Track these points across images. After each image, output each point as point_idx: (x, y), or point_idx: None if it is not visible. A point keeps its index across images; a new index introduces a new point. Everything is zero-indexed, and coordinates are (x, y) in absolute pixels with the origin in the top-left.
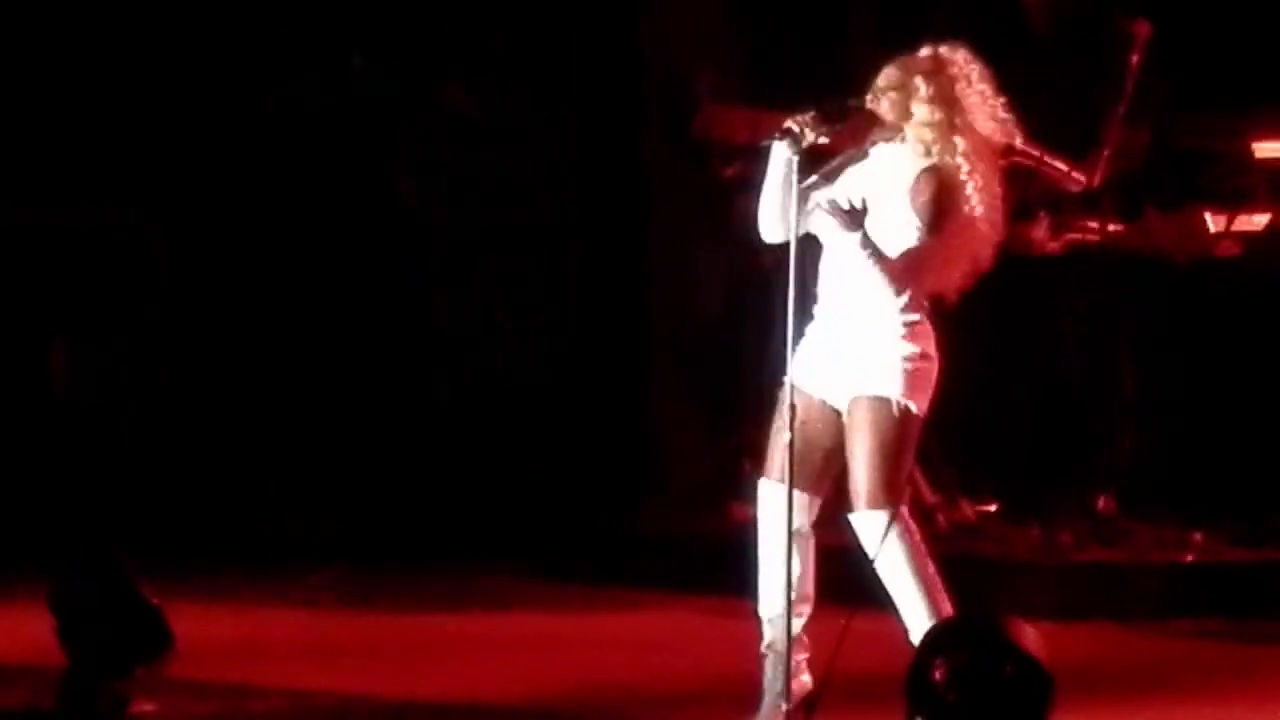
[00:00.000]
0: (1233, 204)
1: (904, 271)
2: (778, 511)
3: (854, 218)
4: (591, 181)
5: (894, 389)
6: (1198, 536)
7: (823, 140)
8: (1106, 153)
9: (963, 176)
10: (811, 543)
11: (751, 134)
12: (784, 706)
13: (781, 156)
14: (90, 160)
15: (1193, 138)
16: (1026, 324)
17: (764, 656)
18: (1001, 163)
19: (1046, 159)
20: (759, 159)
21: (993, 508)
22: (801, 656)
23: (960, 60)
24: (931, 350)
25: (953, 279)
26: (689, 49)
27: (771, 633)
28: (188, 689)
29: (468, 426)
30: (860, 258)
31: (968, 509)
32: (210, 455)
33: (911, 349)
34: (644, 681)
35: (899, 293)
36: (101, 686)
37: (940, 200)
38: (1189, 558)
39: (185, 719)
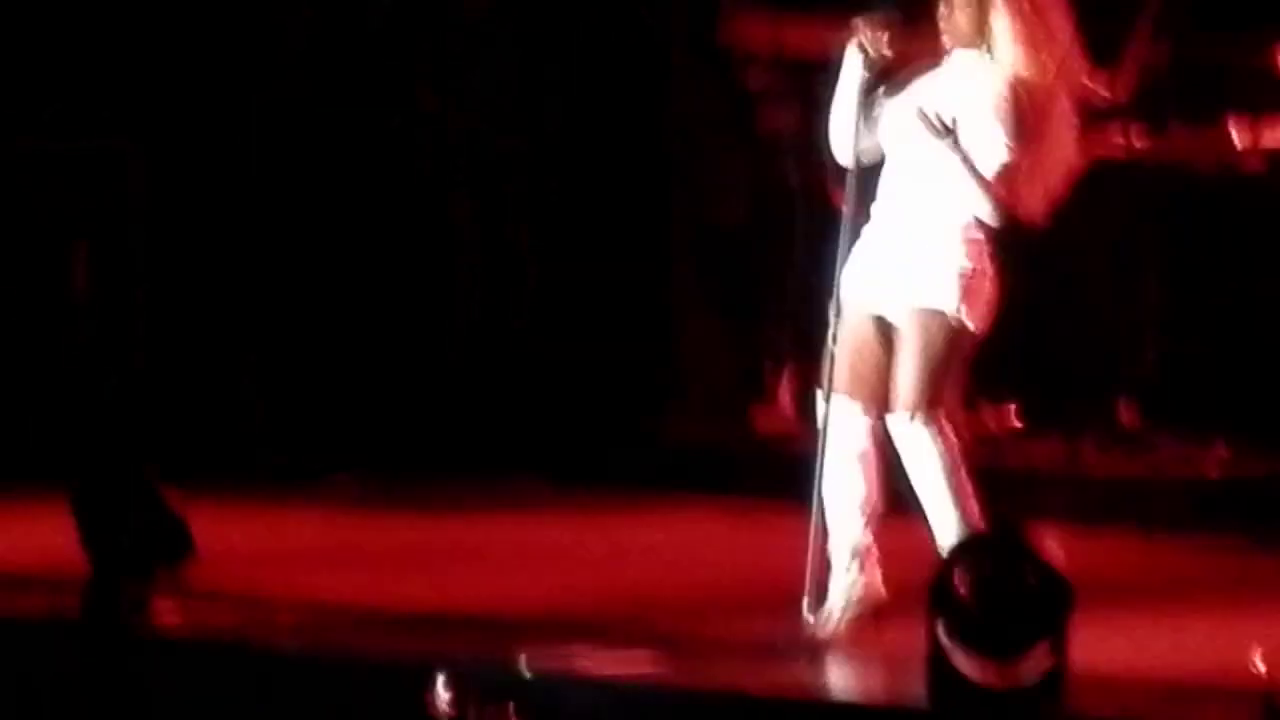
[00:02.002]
0: (1259, 118)
1: (997, 188)
2: (839, 426)
3: (950, 137)
4: (616, 90)
5: (949, 302)
6: (1221, 449)
7: (890, 54)
8: (1132, 65)
9: (1044, 91)
10: (874, 456)
11: (775, 42)
12: (806, 609)
13: (853, 70)
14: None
15: (1217, 50)
16: (1050, 236)
17: (828, 563)
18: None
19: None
20: (782, 67)
21: (1015, 417)
22: (872, 564)
23: None
24: (989, 266)
25: (1038, 196)
26: None
27: (837, 541)
28: (210, 598)
29: (489, 335)
30: (948, 174)
31: (990, 418)
32: (229, 364)
33: (970, 263)
34: (666, 587)
35: (994, 210)
36: (124, 593)
37: (1023, 110)
38: (1212, 470)
39: (207, 627)
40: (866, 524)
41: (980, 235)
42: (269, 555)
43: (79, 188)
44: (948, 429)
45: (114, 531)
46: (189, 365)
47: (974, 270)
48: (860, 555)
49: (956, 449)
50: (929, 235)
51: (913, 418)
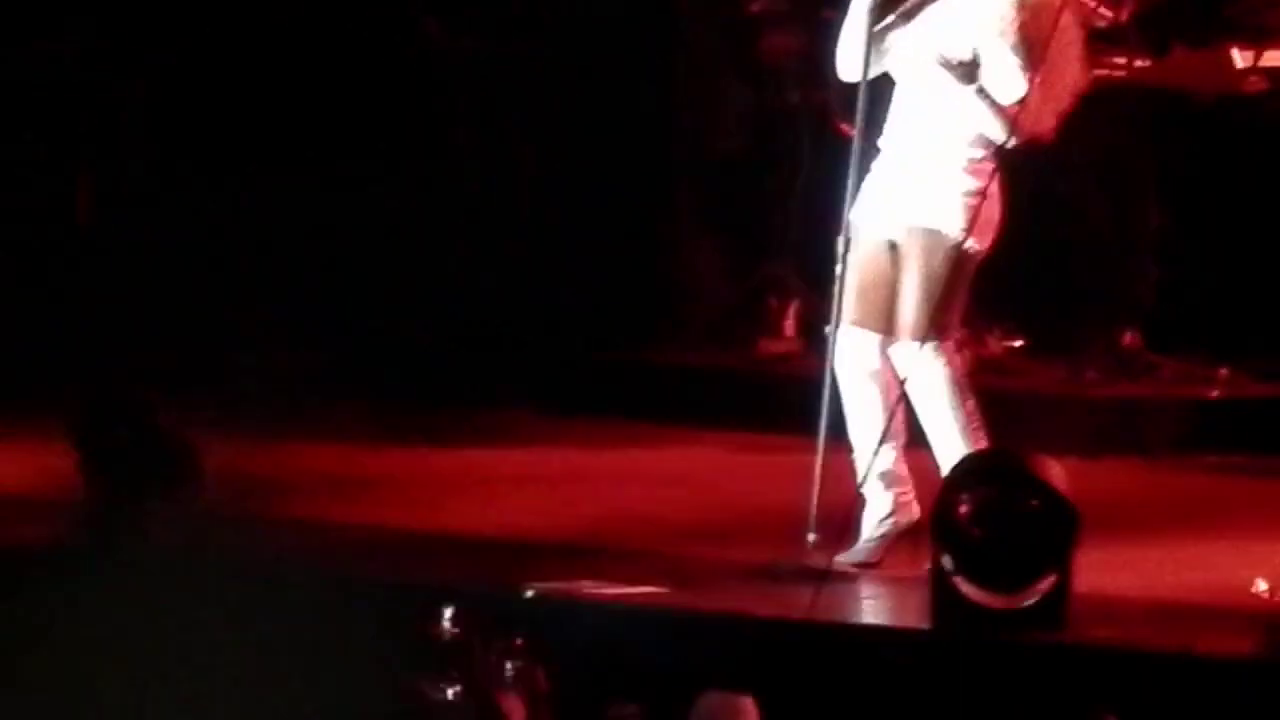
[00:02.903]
0: (1260, 40)
1: (1012, 112)
2: (850, 354)
3: (966, 70)
4: (617, 13)
5: (952, 224)
6: (1223, 372)
7: None
8: None
9: (1050, 10)
10: (891, 382)
11: None
12: (810, 536)
13: None
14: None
15: None
16: (1051, 159)
17: (860, 495)
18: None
19: None
20: None
21: (1018, 343)
22: (905, 488)
23: None
24: (993, 188)
25: (1049, 115)
26: None
27: (866, 472)
28: (211, 521)
29: (488, 259)
30: (956, 99)
31: (993, 344)
32: (224, 291)
33: (974, 185)
34: (666, 515)
35: (1006, 133)
36: (125, 520)
37: (1030, 32)
38: (1214, 393)
39: (211, 553)
40: (892, 449)
41: (985, 158)
42: (270, 484)
43: (82, 111)
44: (954, 357)
45: (114, 457)
46: (194, 292)
47: (979, 192)
48: (890, 480)
49: (962, 375)
50: (934, 159)
51: (920, 345)
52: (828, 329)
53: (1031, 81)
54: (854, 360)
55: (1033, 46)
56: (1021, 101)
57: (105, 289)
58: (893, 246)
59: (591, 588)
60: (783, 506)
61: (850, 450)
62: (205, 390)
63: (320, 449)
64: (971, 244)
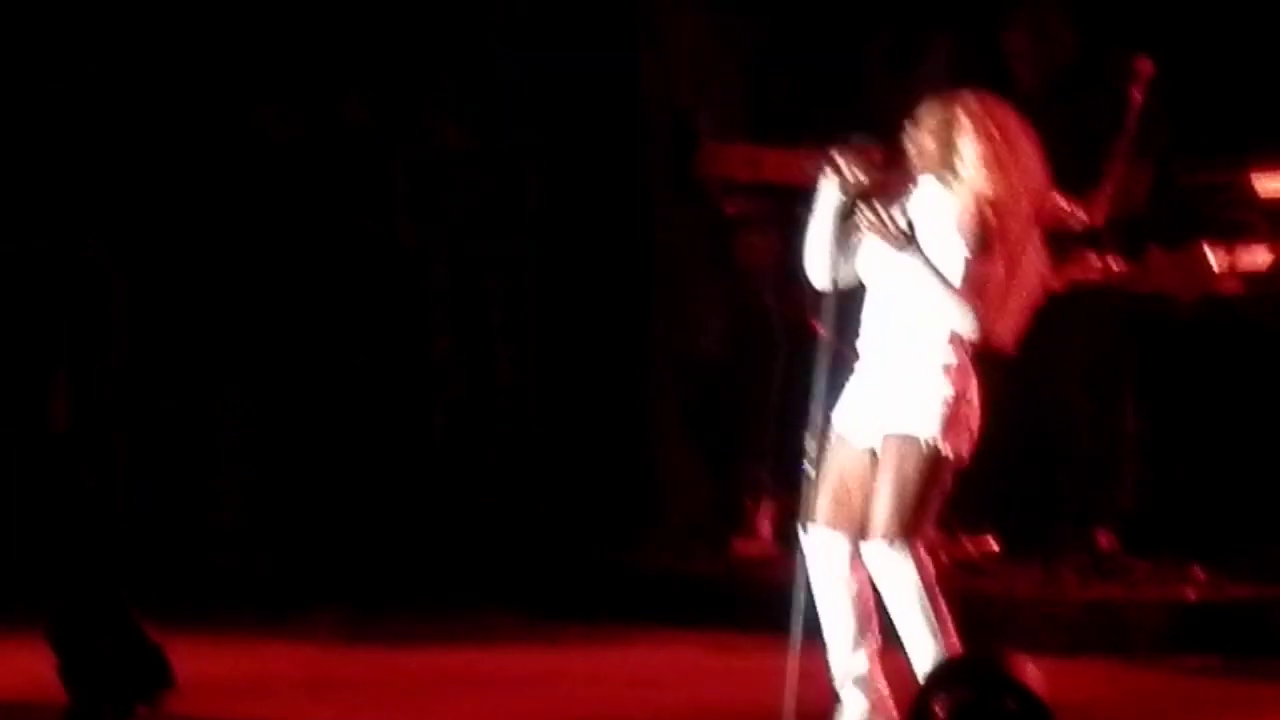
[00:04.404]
0: (1234, 239)
1: (966, 297)
2: (823, 555)
3: (907, 242)
4: (592, 218)
5: (926, 428)
6: (1200, 573)
7: (866, 181)
8: (1109, 190)
9: (1009, 208)
10: (865, 585)
11: (753, 171)
12: None
13: (829, 198)
14: (62, 187)
15: (1194, 174)
16: (1028, 361)
17: (835, 695)
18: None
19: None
20: (760, 196)
21: (994, 544)
22: (881, 690)
23: (1004, 107)
24: (972, 394)
25: (1009, 315)
26: (690, 86)
27: (841, 671)
28: None
29: (464, 461)
30: (918, 299)
31: (969, 545)
32: (202, 494)
33: (949, 390)
34: (640, 716)
35: (966, 321)
36: None
37: (988, 224)
38: (1191, 594)
39: None
40: (866, 653)
41: (961, 362)
42: (248, 687)
43: (60, 308)
44: (924, 557)
45: (91, 662)
46: (168, 496)
47: (955, 397)
48: (864, 685)
49: (933, 577)
50: (909, 362)
51: (890, 545)
52: (801, 535)
53: (982, 268)
54: (826, 561)
55: (984, 234)
56: (973, 286)
57: (82, 492)
58: (867, 453)
59: None
60: (756, 708)
61: (825, 651)
62: (184, 594)
63: (296, 652)
64: (944, 449)
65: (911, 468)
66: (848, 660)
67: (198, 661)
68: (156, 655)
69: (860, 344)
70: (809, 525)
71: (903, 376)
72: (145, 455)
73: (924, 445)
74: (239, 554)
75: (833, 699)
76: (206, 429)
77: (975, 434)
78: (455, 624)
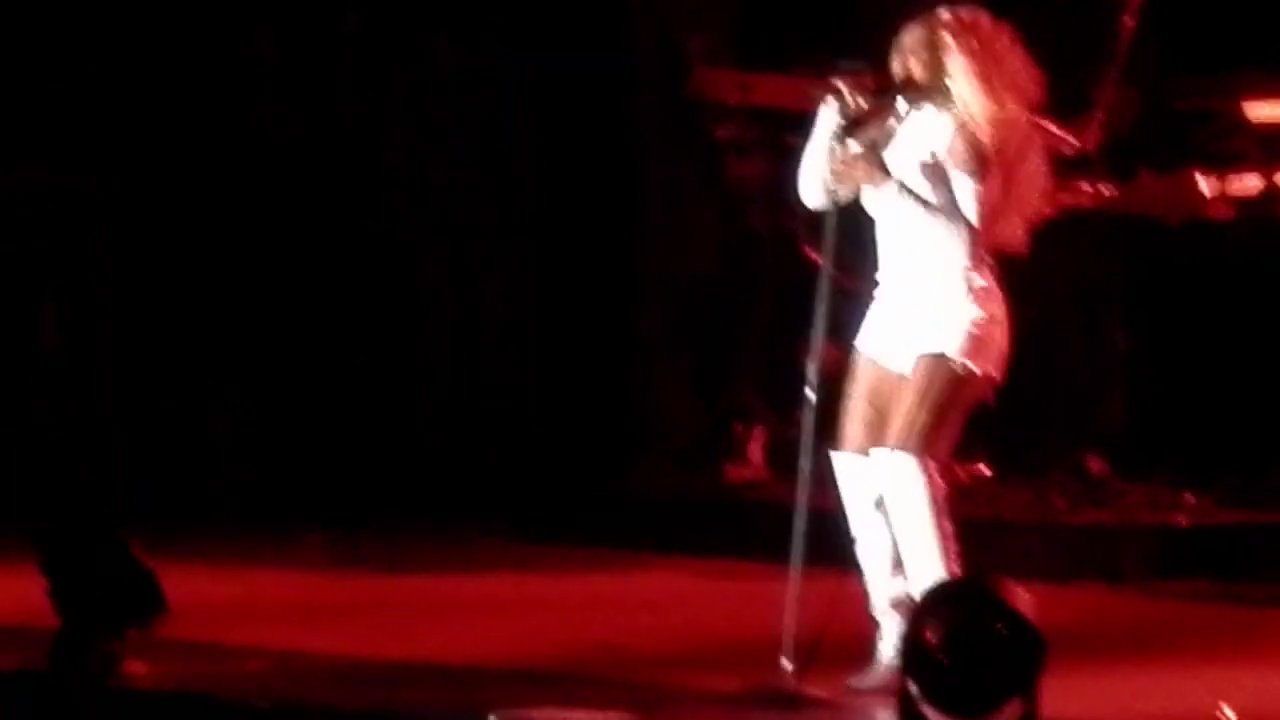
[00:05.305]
0: (1225, 166)
1: (973, 227)
2: (853, 480)
3: (925, 204)
4: (584, 140)
5: (954, 348)
6: (1189, 498)
7: (865, 106)
8: (1099, 115)
9: (1008, 126)
10: None
11: (744, 95)
12: (785, 663)
13: (827, 121)
14: (60, 121)
15: (1185, 99)
16: (1018, 286)
17: (874, 620)
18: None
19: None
20: (751, 120)
21: (984, 469)
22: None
23: (985, 19)
24: (999, 313)
25: (1013, 230)
26: (681, 10)
27: (880, 596)
28: (179, 650)
29: (455, 386)
30: (929, 224)
31: (959, 470)
32: (192, 418)
33: (976, 312)
34: (634, 642)
35: (972, 251)
36: (94, 647)
37: (980, 148)
38: (1180, 519)
39: (177, 680)
40: (904, 573)
41: (988, 283)
42: (239, 609)
43: (45, 237)
44: (935, 474)
45: (83, 584)
46: (158, 419)
47: (982, 317)
48: (903, 605)
49: (944, 497)
50: (933, 285)
51: (903, 456)
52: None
53: (989, 196)
54: (858, 486)
55: (981, 161)
56: (983, 214)
57: (72, 415)
58: (895, 374)
59: (560, 715)
60: (753, 632)
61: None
62: (176, 517)
63: (287, 576)
64: (973, 368)
65: (939, 386)
66: (887, 584)
67: (188, 585)
68: (148, 579)
69: (880, 269)
70: (839, 452)
71: (930, 299)
72: (134, 376)
73: (955, 366)
74: (232, 474)
75: (870, 621)
76: (196, 351)
77: (1005, 354)
78: (447, 550)
